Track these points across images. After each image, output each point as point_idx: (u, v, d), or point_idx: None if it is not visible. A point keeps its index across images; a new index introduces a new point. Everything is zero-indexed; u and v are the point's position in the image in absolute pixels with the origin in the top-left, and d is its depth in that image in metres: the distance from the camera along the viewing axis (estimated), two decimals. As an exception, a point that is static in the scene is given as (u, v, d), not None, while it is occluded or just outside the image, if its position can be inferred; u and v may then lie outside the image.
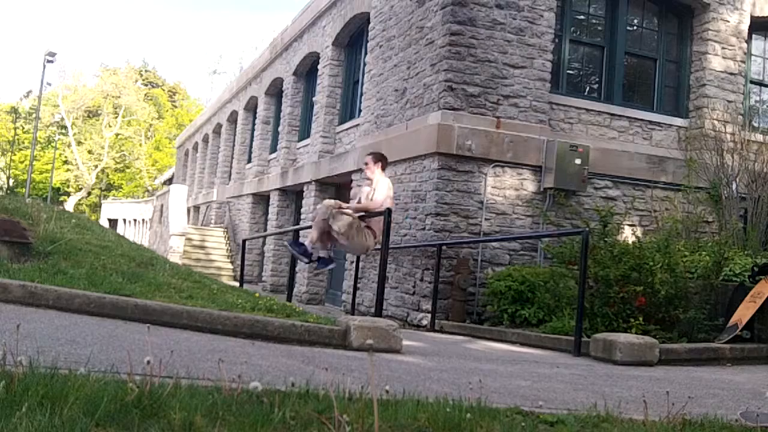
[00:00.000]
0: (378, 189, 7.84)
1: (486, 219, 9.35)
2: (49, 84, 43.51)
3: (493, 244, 9.30)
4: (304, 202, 15.78)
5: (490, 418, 2.83)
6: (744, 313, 7.09)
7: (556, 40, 10.29)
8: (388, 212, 7.16)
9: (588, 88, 11.07)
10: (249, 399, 2.62)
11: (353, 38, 14.97)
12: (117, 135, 54.84)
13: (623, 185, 10.24)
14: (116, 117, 54.82)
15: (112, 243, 7.70)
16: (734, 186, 9.88)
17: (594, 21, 11.04)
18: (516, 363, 5.96)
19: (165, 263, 7.61)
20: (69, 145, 53.45)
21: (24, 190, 38.54)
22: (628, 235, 9.72)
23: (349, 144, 13.76)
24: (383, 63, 11.77)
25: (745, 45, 11.22)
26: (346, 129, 14.40)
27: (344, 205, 7.85)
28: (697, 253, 8.33)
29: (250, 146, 22.69)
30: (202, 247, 22.64)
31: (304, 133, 17.46)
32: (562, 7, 10.38)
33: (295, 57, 18.08)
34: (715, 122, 10.61)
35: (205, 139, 30.46)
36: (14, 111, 55.96)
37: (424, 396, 3.12)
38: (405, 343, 5.83)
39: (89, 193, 56.66)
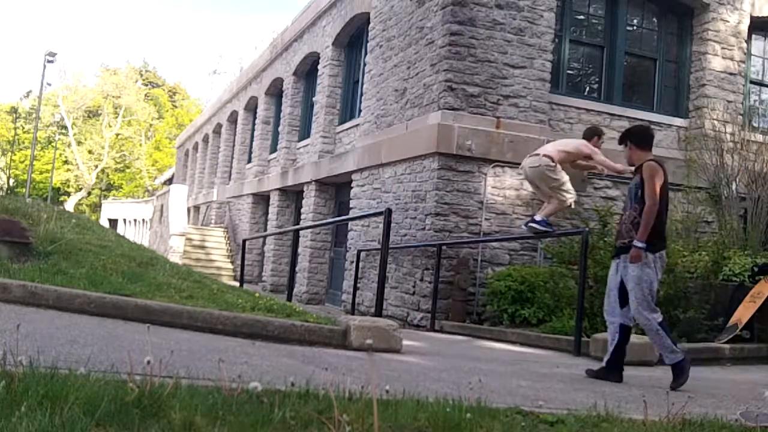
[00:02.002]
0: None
1: (486, 219, 9.35)
2: (49, 84, 43.49)
3: (493, 244, 9.30)
4: (304, 202, 15.79)
5: (490, 418, 2.83)
6: (744, 313, 7.10)
7: (556, 40, 10.29)
8: (388, 212, 7.16)
9: (588, 88, 11.07)
10: (249, 399, 2.62)
11: (353, 38, 14.97)
12: (117, 135, 54.79)
13: (623, 185, 10.21)
14: (116, 117, 54.78)
15: (112, 243, 7.70)
16: (734, 186, 9.88)
17: (594, 21, 11.04)
18: (516, 363, 5.96)
19: (165, 263, 7.62)
20: (69, 145, 53.42)
21: (24, 190, 38.54)
22: (628, 235, 9.70)
23: (349, 144, 13.76)
24: (383, 63, 11.77)
25: (744, 45, 11.21)
26: (346, 129, 14.40)
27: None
28: (697, 253, 8.34)
29: (250, 146, 22.69)
30: (202, 247, 22.64)
31: (304, 133, 17.46)
32: (562, 7, 10.38)
33: (295, 57, 18.08)
34: (715, 122, 10.61)
35: (205, 139, 30.45)
36: (14, 111, 55.94)
37: (424, 396, 3.12)
38: (405, 343, 5.83)
39: (89, 193, 56.62)
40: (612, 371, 5.14)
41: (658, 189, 4.94)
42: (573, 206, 7.94)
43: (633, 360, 6.11)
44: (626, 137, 5.35)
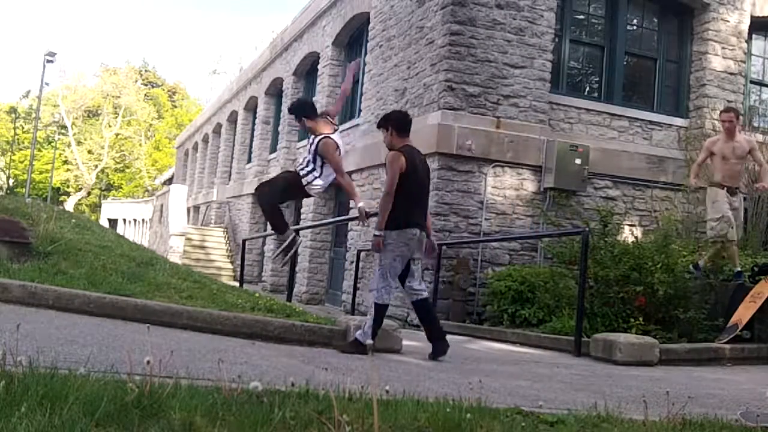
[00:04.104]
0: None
1: (486, 219, 9.35)
2: (47, 84, 43.43)
3: (493, 244, 9.30)
4: (304, 201, 15.77)
5: (490, 418, 2.82)
6: (744, 313, 7.09)
7: (556, 40, 10.29)
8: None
9: (588, 88, 11.07)
10: (249, 399, 2.62)
11: (353, 38, 14.96)
12: (117, 135, 54.78)
13: (623, 185, 10.23)
14: (116, 117, 54.77)
15: (111, 243, 7.69)
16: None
17: (594, 21, 11.04)
18: (516, 363, 5.96)
19: (165, 263, 7.61)
20: (69, 145, 53.41)
21: (24, 190, 38.53)
22: (628, 235, 9.71)
23: (349, 144, 13.74)
24: (383, 63, 11.76)
25: (745, 45, 11.21)
26: (346, 129, 14.37)
27: None
28: (697, 253, 8.33)
29: (250, 146, 22.68)
30: (202, 247, 22.63)
31: (304, 133, 17.40)
32: (562, 7, 10.38)
33: (295, 57, 18.07)
34: (715, 122, 10.59)
35: (205, 139, 30.44)
36: (14, 111, 55.91)
37: (424, 396, 3.12)
38: (405, 343, 5.84)
39: (89, 193, 56.60)
40: (437, 341, 5.49)
41: (392, 179, 5.27)
42: (728, 243, 7.56)
43: (633, 360, 6.11)
44: (386, 122, 5.56)
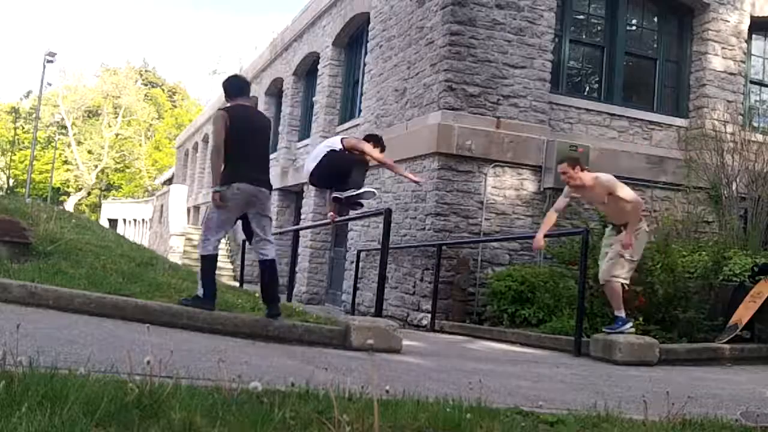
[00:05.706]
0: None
1: (486, 219, 9.35)
2: (50, 84, 43.44)
3: (493, 244, 9.29)
4: (304, 202, 15.78)
5: (490, 418, 2.83)
6: (744, 313, 7.10)
7: (556, 40, 10.28)
8: (388, 212, 7.16)
9: (588, 88, 11.07)
10: (249, 399, 2.62)
11: (353, 38, 14.96)
12: (117, 135, 54.80)
13: (623, 185, 10.22)
14: (116, 117, 54.79)
15: (112, 243, 7.70)
16: (734, 186, 9.87)
17: (594, 21, 11.04)
18: (516, 363, 5.96)
19: (165, 263, 7.62)
20: (69, 145, 53.43)
21: (24, 190, 38.52)
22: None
23: (349, 144, 13.74)
24: (383, 63, 11.76)
25: (745, 45, 11.21)
26: (346, 129, 14.38)
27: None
28: (697, 253, 8.33)
29: (250, 146, 22.66)
30: (202, 247, 22.58)
31: (304, 133, 17.45)
32: (562, 7, 10.37)
33: (295, 57, 18.07)
34: (715, 122, 10.60)
35: (205, 139, 30.40)
36: (14, 111, 55.92)
37: (424, 396, 3.12)
38: (405, 343, 5.84)
39: (89, 193, 56.62)
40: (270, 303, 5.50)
41: (217, 135, 5.52)
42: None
43: (633, 360, 6.11)
44: (223, 90, 5.77)
